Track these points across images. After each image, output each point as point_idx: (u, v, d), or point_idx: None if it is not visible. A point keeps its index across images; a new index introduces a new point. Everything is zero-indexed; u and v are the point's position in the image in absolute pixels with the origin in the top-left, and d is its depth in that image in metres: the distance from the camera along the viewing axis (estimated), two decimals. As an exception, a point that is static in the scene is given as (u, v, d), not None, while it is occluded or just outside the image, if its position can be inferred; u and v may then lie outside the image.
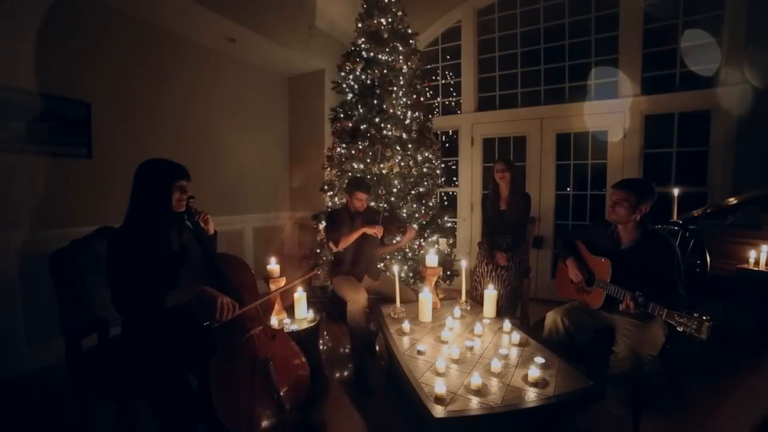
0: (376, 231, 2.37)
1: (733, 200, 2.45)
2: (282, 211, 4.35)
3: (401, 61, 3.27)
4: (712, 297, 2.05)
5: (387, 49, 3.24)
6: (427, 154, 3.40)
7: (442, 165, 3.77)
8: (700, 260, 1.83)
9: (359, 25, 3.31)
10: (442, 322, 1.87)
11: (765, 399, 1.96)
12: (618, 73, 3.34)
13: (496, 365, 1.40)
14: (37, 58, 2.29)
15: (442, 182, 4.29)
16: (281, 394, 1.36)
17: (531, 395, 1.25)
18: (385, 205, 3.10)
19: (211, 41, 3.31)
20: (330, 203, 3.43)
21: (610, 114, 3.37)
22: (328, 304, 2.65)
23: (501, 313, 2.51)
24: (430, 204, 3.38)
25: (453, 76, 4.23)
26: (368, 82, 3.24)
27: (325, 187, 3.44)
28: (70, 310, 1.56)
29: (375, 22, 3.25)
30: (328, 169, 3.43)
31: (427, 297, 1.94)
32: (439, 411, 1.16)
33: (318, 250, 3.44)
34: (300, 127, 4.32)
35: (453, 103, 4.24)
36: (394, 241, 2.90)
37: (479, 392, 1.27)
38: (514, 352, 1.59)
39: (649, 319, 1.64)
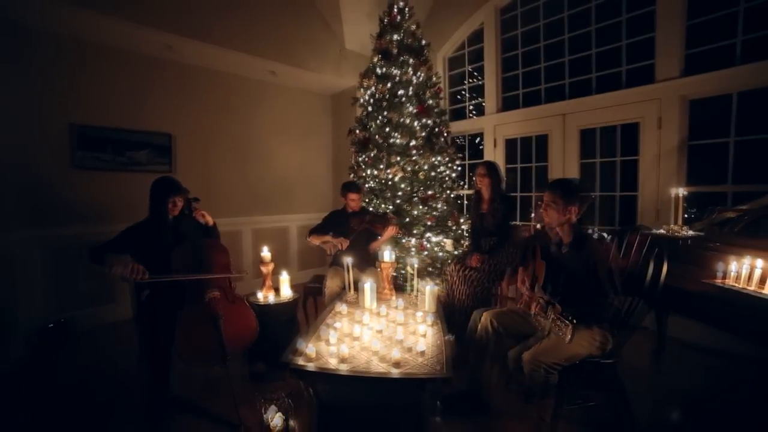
0: (341, 243, 2.75)
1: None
2: (325, 212, 5.00)
3: (410, 73, 3.50)
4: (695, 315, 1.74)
5: (399, 63, 3.52)
6: (439, 159, 3.53)
7: (459, 168, 3.79)
8: (657, 270, 1.62)
9: (374, 44, 3.67)
10: (379, 310, 2.11)
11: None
12: (654, 54, 2.86)
13: (375, 345, 1.62)
14: (140, 105, 3.40)
15: (462, 185, 4.27)
16: (225, 343, 1.87)
17: (380, 370, 1.45)
18: (391, 207, 3.39)
19: (260, 75, 4.16)
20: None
21: (644, 103, 2.89)
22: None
23: (469, 312, 2.54)
24: (438, 206, 3.49)
25: (480, 78, 4.18)
26: (377, 95, 3.58)
27: (346, 191, 3.91)
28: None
29: (387, 39, 3.57)
30: (351, 175, 3.89)
31: (369, 286, 2.20)
32: (289, 358, 1.50)
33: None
34: (340, 138, 4.92)
35: (482, 105, 4.19)
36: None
37: (344, 360, 1.52)
38: (420, 342, 1.74)
39: (579, 328, 1.56)
